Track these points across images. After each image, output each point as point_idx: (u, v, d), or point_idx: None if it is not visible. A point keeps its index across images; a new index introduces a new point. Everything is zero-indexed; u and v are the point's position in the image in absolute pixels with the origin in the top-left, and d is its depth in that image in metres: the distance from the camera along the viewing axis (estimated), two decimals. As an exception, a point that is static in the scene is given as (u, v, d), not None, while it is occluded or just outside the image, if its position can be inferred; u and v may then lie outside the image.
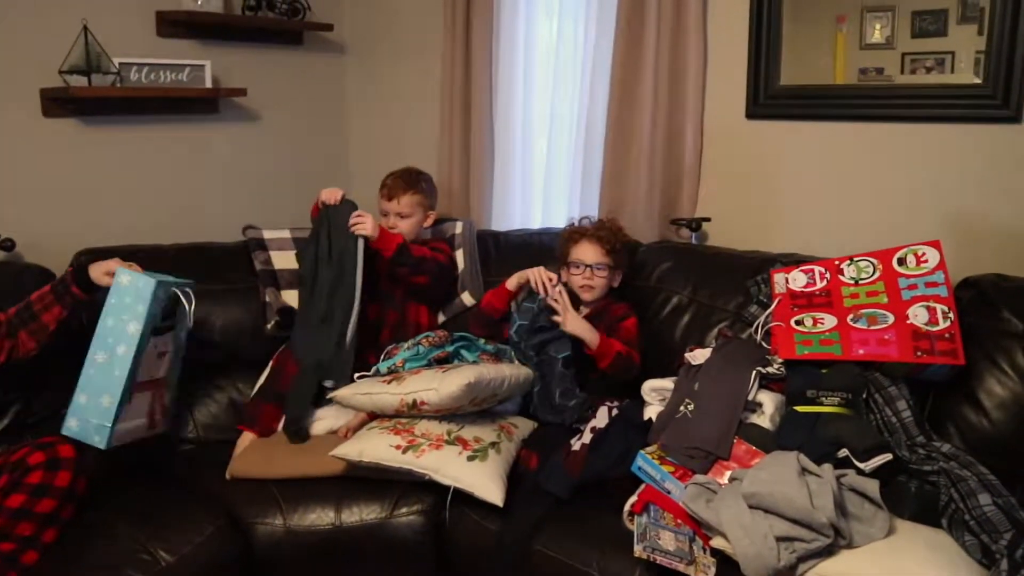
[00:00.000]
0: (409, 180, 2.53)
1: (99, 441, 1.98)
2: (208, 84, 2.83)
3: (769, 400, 1.95)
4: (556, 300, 2.26)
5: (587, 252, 2.38)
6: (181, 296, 2.13)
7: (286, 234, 2.68)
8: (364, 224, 2.33)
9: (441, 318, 2.64)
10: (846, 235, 2.40)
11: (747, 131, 2.58)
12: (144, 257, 2.47)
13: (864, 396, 1.93)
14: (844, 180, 2.45)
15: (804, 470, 1.69)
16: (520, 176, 3.00)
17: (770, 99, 2.52)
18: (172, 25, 2.82)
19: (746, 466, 1.83)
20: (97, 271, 2.07)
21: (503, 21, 2.90)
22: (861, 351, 1.96)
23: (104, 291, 2.04)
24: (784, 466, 1.68)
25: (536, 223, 2.99)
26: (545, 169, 2.96)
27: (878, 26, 2.29)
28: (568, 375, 2.26)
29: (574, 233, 2.43)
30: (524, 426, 2.24)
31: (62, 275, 2.10)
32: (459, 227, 2.73)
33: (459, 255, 2.67)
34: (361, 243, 2.33)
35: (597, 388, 2.30)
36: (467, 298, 2.63)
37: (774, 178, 2.57)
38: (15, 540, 1.79)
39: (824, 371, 1.97)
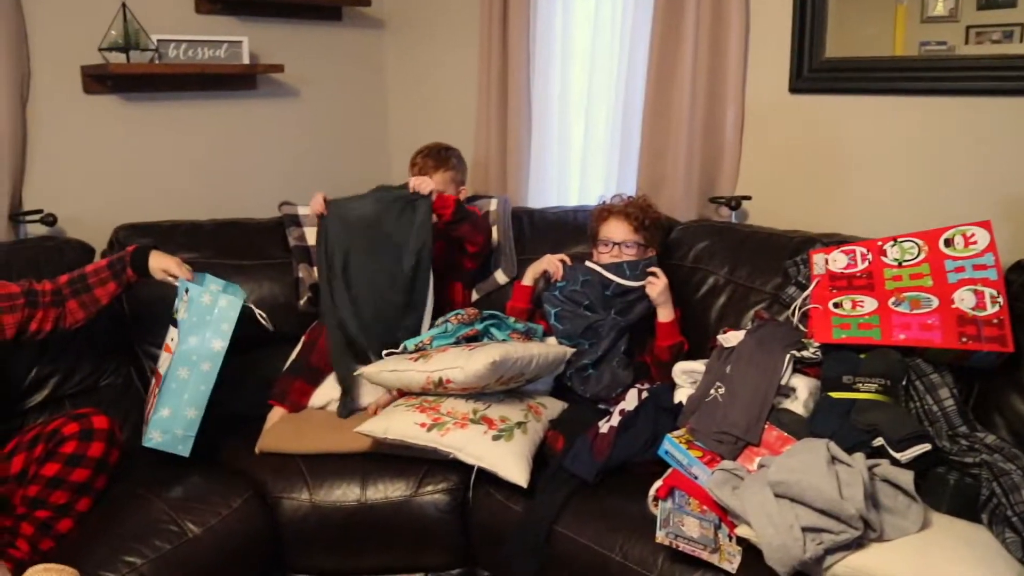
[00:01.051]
0: (439, 157, 2.51)
1: (183, 450, 2.05)
2: (245, 60, 2.83)
3: (803, 385, 1.88)
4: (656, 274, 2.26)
5: (615, 229, 2.34)
6: (257, 314, 2.21)
7: (321, 210, 2.67)
8: (424, 182, 2.32)
9: (474, 296, 2.62)
10: (893, 215, 2.30)
11: (791, 106, 2.49)
12: (182, 233, 2.56)
13: (904, 383, 1.85)
14: (892, 157, 2.35)
15: (834, 459, 1.63)
16: (557, 153, 2.96)
17: (815, 72, 2.42)
18: (210, 2, 2.82)
19: (776, 452, 1.77)
20: (157, 263, 2.09)
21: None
22: (902, 336, 1.88)
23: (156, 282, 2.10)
24: (813, 454, 1.62)
25: (573, 200, 2.95)
26: (582, 146, 2.90)
27: None
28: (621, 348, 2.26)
29: (603, 211, 2.39)
30: (553, 407, 2.20)
31: (119, 254, 2.11)
32: (494, 204, 2.70)
33: (494, 232, 2.64)
34: (429, 210, 2.32)
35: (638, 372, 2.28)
36: (500, 276, 2.60)
37: (819, 155, 2.47)
38: (50, 508, 1.84)
39: (863, 356, 1.89)
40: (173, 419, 2.03)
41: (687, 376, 2.05)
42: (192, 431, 2.05)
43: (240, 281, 2.48)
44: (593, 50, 2.81)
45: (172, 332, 2.08)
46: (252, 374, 2.48)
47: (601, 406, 2.22)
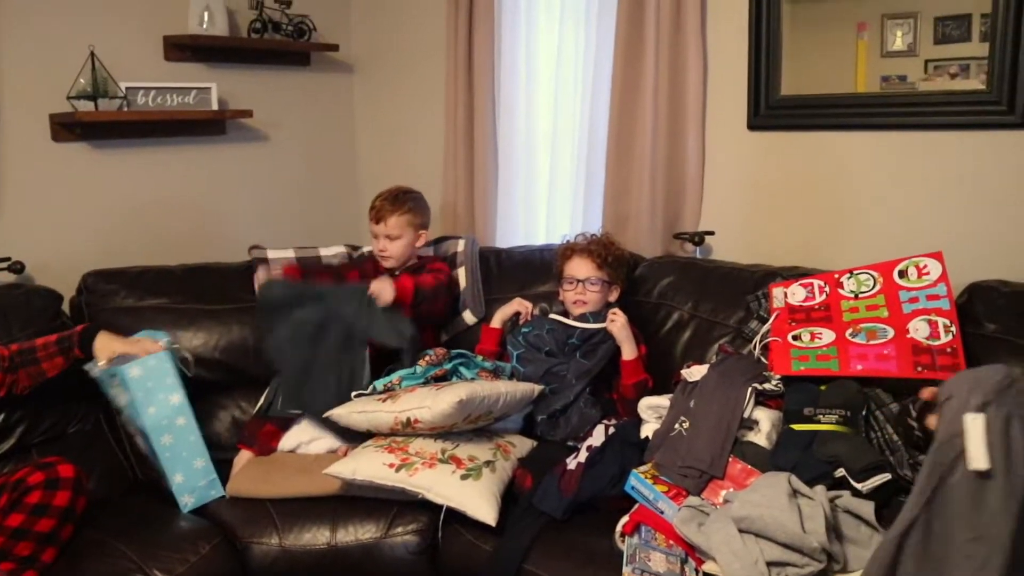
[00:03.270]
0: (396, 200, 2.50)
1: (215, 493, 2.14)
2: (214, 106, 2.84)
3: (765, 417, 1.90)
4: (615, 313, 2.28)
5: (579, 267, 2.37)
6: (180, 356, 2.20)
7: (290, 253, 2.68)
8: (384, 294, 2.31)
9: (444, 337, 2.62)
10: (852, 248, 2.35)
11: (750, 143, 2.53)
12: (151, 278, 2.54)
13: (864, 413, 1.87)
14: (849, 191, 2.39)
15: (796, 492, 1.64)
16: (524, 192, 2.98)
17: (772, 109, 2.47)
18: (179, 49, 2.84)
19: (741, 485, 1.78)
20: (102, 346, 2.08)
21: (504, 39, 2.88)
22: (859, 367, 1.90)
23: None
24: (775, 488, 1.63)
25: (540, 239, 2.96)
26: (548, 185, 2.93)
27: (899, 33, 2.23)
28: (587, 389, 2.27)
29: (567, 250, 2.42)
30: (522, 445, 2.20)
31: (68, 332, 2.11)
32: (461, 244, 2.71)
33: (461, 273, 2.65)
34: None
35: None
36: (468, 317, 2.61)
37: (778, 190, 2.51)
38: (15, 559, 1.80)
39: (823, 388, 1.91)
40: (189, 478, 2.09)
41: (652, 411, 2.06)
42: (211, 473, 2.13)
43: (209, 325, 2.50)
44: (556, 90, 2.85)
45: (126, 420, 2.12)
46: (220, 418, 2.48)
47: (570, 443, 2.22)
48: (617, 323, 2.25)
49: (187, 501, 2.08)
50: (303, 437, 2.31)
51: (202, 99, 2.84)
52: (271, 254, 2.67)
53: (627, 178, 2.68)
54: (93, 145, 2.68)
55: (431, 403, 1.99)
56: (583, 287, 2.35)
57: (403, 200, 2.51)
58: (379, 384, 2.18)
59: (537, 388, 2.23)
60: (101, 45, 2.57)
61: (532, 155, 2.95)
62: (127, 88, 2.65)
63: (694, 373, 2.03)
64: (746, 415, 1.89)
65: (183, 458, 2.07)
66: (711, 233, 2.60)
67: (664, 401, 2.04)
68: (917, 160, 2.27)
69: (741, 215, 2.58)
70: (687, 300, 2.39)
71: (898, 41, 2.24)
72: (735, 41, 2.48)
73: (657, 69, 2.56)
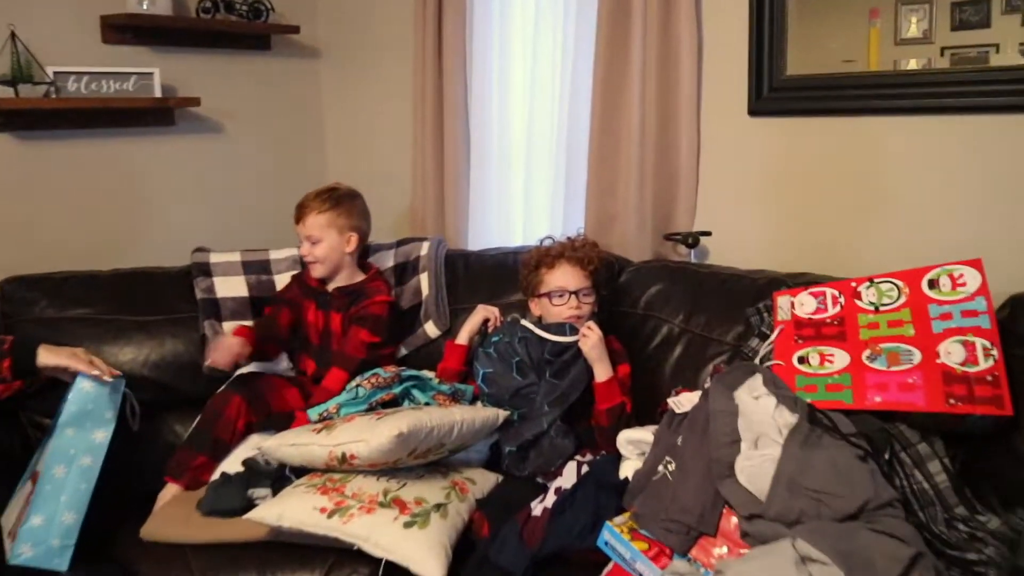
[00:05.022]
0: (316, 198, 2.14)
1: (60, 564, 1.67)
2: (157, 93, 2.51)
3: (767, 459, 1.54)
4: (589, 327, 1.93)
5: (569, 276, 2.00)
6: (129, 404, 1.86)
7: (236, 257, 2.34)
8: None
9: (402, 351, 2.28)
10: (873, 253, 2.01)
11: (751, 130, 2.18)
12: (75, 285, 2.21)
13: (888, 457, 1.51)
14: (870, 186, 2.03)
15: (804, 559, 1.29)
16: (497, 189, 2.64)
17: (777, 92, 2.12)
18: (118, 31, 2.51)
19: (737, 544, 1.43)
20: (48, 359, 1.76)
21: (477, 20, 2.54)
22: (878, 398, 1.54)
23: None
24: (778, 556, 1.28)
25: (517, 240, 2.61)
26: (525, 181, 2.58)
27: (914, 19, 1.98)
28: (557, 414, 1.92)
29: (546, 257, 2.05)
30: (484, 481, 1.85)
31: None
32: (425, 247, 2.36)
33: (423, 280, 2.30)
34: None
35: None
36: (431, 329, 2.26)
37: (784, 184, 2.16)
38: None
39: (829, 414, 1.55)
40: (47, 527, 1.66)
41: (634, 447, 1.71)
42: (71, 539, 1.68)
43: (139, 339, 2.18)
44: (533, 76, 2.51)
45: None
46: (148, 443, 2.14)
47: (539, 479, 1.87)
48: (589, 340, 1.90)
49: (25, 552, 1.64)
50: (238, 468, 1.96)
51: (143, 85, 2.50)
52: (214, 258, 2.33)
53: (612, 173, 2.34)
54: (17, 136, 2.35)
55: (368, 436, 1.65)
56: (577, 299, 2.00)
57: (325, 198, 2.15)
58: (313, 413, 1.84)
59: (502, 414, 1.89)
60: (25, 25, 2.26)
61: (507, 148, 2.60)
62: (55, 73, 2.33)
63: (682, 402, 1.67)
64: (743, 456, 1.53)
65: (59, 502, 1.69)
66: (707, 234, 2.25)
67: (647, 435, 1.69)
68: (954, 150, 1.91)
69: (741, 214, 2.23)
70: (678, 312, 2.04)
71: (912, 28, 1.98)
72: (734, 15, 2.13)
73: (645, 49, 2.21)
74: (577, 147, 2.40)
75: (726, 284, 2.03)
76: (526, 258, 2.10)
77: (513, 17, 2.53)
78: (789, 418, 1.51)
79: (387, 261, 2.36)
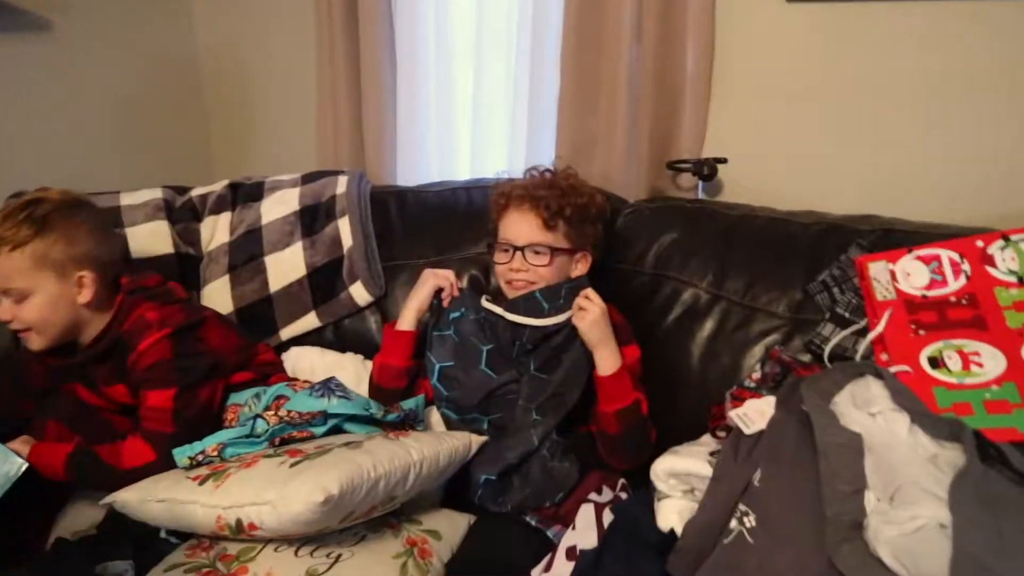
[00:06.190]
0: (9, 221, 1.28)
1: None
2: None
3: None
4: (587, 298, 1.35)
5: (517, 226, 1.42)
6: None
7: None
8: None
9: (316, 322, 1.63)
10: (973, 192, 1.46)
11: (788, 21, 1.59)
12: None
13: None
14: (963, 93, 1.48)
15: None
16: (436, 107, 1.96)
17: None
18: None
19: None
20: None
21: None
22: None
23: None
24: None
25: (464, 175, 1.93)
26: (473, 95, 1.91)
27: None
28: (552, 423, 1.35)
29: (500, 198, 1.47)
30: (450, 530, 1.25)
31: None
32: (343, 184, 1.72)
33: (343, 226, 1.67)
34: None
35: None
36: (359, 292, 1.63)
37: (831, 95, 1.59)
38: None
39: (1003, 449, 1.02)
40: None
41: (678, 482, 1.14)
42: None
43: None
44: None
45: None
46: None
47: (529, 518, 1.30)
48: (589, 316, 1.32)
49: None
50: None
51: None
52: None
53: (594, 81, 1.71)
54: None
55: (278, 497, 1.03)
56: (522, 258, 1.40)
57: (22, 220, 1.28)
58: (180, 457, 1.18)
59: (475, 442, 1.29)
60: None
61: (448, 47, 1.91)
62: None
63: (752, 416, 1.11)
64: (867, 505, 0.99)
65: None
66: (723, 161, 1.67)
67: (699, 465, 1.12)
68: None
69: (770, 134, 1.65)
70: (704, 271, 1.47)
71: None
72: None
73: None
74: (545, 46, 1.75)
75: (766, 232, 1.48)
76: (492, 192, 1.51)
77: None
78: (937, 450, 0.98)
79: (289, 203, 1.72)
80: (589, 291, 1.36)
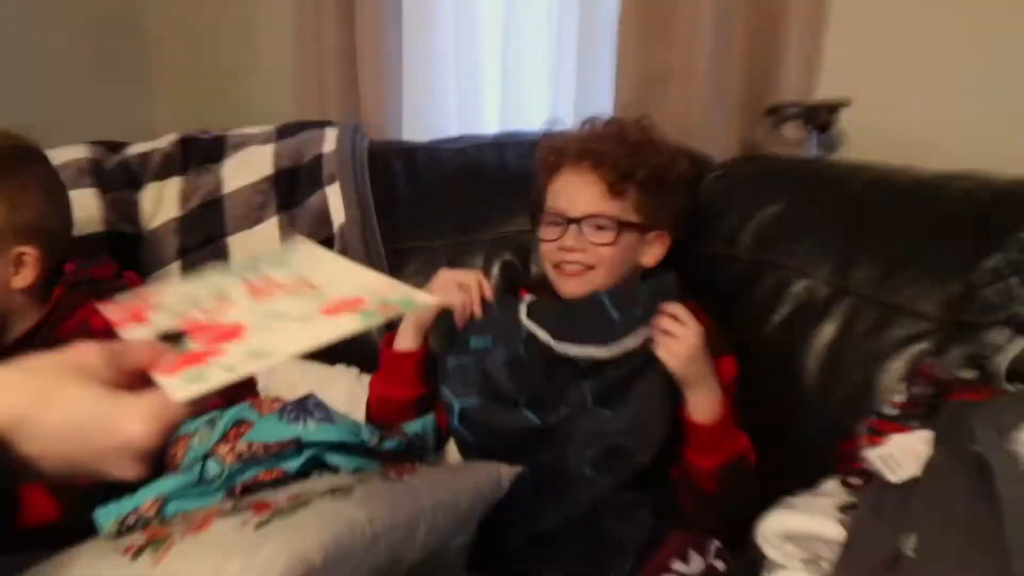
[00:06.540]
0: None
1: None
2: None
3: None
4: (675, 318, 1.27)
5: (572, 192, 1.37)
6: None
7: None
8: None
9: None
10: None
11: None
12: None
13: None
14: None
15: None
16: (454, 32, 2.02)
17: None
18: None
19: None
20: None
21: None
22: None
23: None
24: None
25: (493, 125, 2.01)
26: (504, 15, 1.95)
27: None
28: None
29: (550, 152, 1.42)
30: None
31: None
32: (331, 139, 1.76)
33: (331, 196, 1.71)
34: None
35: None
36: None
37: (999, 12, 1.54)
38: None
39: None
40: None
41: (796, 548, 1.07)
42: None
43: None
44: None
45: None
46: None
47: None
48: (682, 349, 1.23)
49: None
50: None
51: None
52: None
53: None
54: None
55: (239, 572, 0.96)
56: (578, 233, 1.33)
57: None
58: (106, 520, 1.10)
59: (506, 475, 1.21)
60: None
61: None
62: None
63: (899, 458, 1.04)
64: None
65: None
66: (845, 104, 1.63)
67: (824, 525, 1.05)
68: None
69: (912, 67, 1.61)
70: (821, 254, 1.43)
71: None
72: None
73: None
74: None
75: (908, 201, 1.42)
76: (540, 146, 1.47)
77: None
78: None
79: (260, 166, 1.76)
80: (678, 309, 1.26)
